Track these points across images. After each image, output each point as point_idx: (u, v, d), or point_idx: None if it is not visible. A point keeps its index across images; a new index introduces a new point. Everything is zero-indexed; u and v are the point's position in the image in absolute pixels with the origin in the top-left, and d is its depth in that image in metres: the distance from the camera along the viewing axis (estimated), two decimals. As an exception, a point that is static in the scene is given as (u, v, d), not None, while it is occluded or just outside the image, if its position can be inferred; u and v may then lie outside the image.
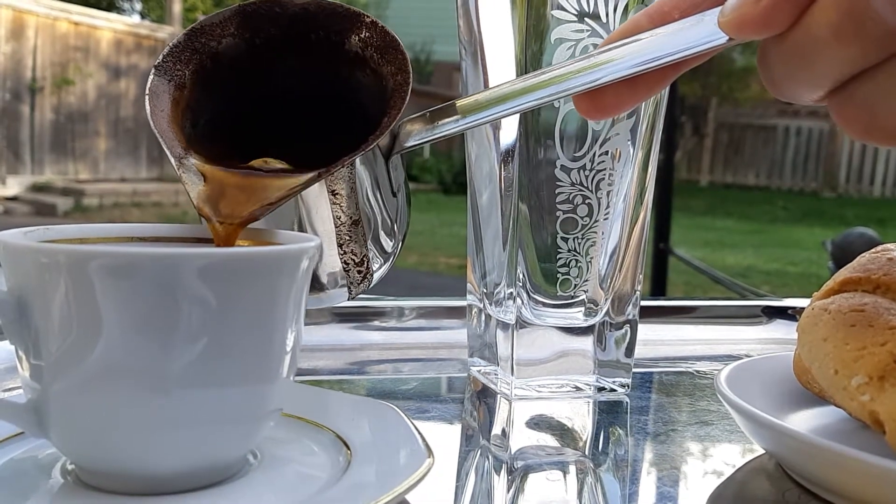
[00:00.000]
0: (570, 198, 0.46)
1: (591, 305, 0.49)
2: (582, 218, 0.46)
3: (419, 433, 0.34)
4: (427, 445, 0.33)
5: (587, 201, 0.46)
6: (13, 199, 7.07)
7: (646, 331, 0.58)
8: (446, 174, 8.79)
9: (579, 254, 0.47)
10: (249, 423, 0.31)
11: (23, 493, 0.30)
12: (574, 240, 0.47)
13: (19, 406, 0.29)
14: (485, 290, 0.51)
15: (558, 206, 0.46)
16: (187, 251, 0.28)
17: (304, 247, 0.30)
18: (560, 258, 0.47)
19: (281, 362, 0.31)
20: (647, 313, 0.62)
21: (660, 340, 0.65)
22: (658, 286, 2.85)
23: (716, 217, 7.58)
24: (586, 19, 0.44)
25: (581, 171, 0.46)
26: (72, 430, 0.29)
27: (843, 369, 0.33)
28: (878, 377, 0.31)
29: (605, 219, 0.47)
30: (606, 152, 0.46)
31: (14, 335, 0.29)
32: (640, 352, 0.52)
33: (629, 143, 0.46)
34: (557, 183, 0.46)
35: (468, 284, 0.53)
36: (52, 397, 0.29)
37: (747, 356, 0.50)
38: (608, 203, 0.47)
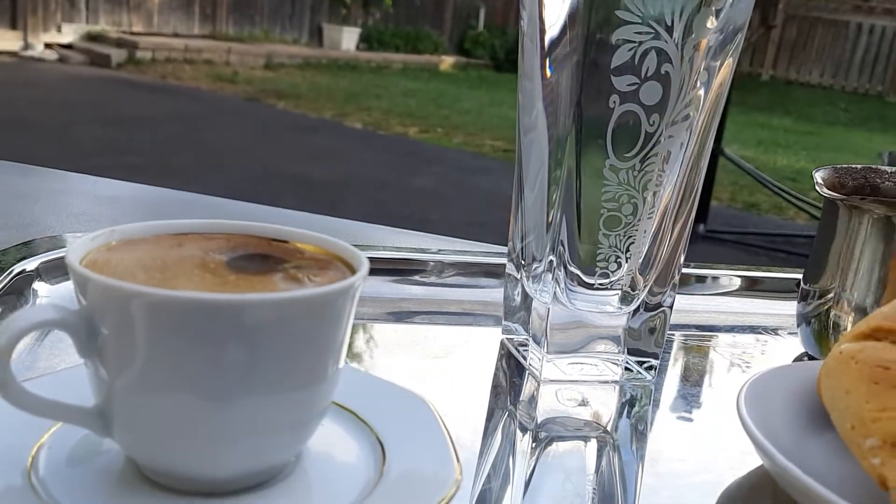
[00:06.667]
0: (616, 196, 0.46)
1: (628, 292, 0.50)
2: (626, 216, 0.47)
3: (451, 442, 0.36)
4: (457, 456, 0.35)
5: (633, 200, 0.46)
6: (68, 46, 7.07)
7: (677, 301, 0.58)
8: (499, 49, 8.56)
9: (619, 250, 0.48)
10: (299, 431, 0.34)
11: (87, 478, 0.33)
12: (616, 237, 0.47)
13: (87, 410, 0.32)
14: (523, 262, 0.52)
15: (603, 203, 0.46)
16: (242, 298, 0.29)
17: (350, 282, 0.32)
18: (600, 253, 0.48)
19: (331, 377, 0.33)
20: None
21: (692, 310, 0.65)
22: (705, 187, 2.82)
23: (773, 114, 7.38)
24: (651, 22, 0.43)
25: (630, 172, 0.46)
26: (134, 435, 0.32)
27: (860, 427, 0.34)
28: (892, 444, 0.32)
29: (648, 217, 0.47)
30: (657, 154, 0.46)
31: (84, 351, 0.31)
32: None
33: (681, 144, 0.46)
34: (604, 182, 0.46)
35: (509, 246, 0.54)
36: (115, 407, 0.31)
37: (779, 329, 0.52)
38: (654, 203, 0.47)
